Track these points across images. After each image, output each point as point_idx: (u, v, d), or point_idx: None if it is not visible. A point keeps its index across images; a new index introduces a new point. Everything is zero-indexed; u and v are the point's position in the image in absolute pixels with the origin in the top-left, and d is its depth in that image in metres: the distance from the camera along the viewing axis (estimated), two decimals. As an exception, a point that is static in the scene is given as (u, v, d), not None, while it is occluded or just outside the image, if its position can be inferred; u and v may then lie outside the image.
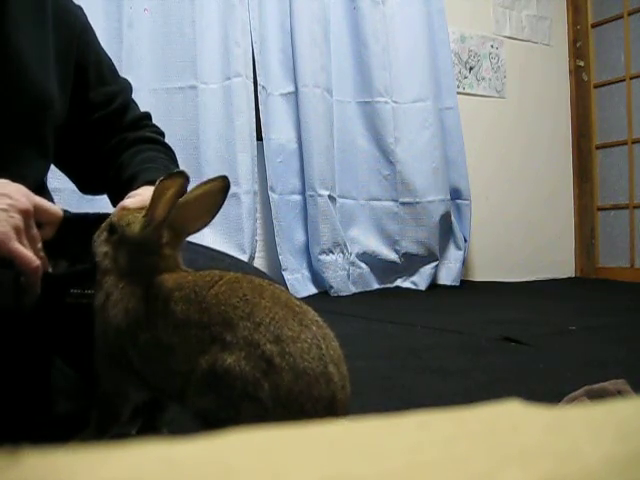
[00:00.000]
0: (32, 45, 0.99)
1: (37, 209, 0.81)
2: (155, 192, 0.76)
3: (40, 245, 0.81)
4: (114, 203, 1.00)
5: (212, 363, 0.71)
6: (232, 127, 2.86)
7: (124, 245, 0.81)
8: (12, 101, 0.96)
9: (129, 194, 0.92)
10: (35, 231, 0.80)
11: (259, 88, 2.96)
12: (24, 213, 0.77)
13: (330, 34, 3.16)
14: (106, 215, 0.87)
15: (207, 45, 2.83)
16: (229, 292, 0.74)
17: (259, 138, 3.00)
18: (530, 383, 1.34)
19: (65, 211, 0.89)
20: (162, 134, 1.19)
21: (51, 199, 1.14)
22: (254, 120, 2.94)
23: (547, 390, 1.22)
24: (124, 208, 0.86)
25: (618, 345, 1.77)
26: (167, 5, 2.80)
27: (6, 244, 0.74)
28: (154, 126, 1.19)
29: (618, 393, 0.85)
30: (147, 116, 1.19)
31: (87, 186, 1.18)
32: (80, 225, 0.86)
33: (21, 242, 0.76)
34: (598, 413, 0.26)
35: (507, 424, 0.24)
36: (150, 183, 0.94)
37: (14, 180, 0.83)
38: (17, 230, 0.76)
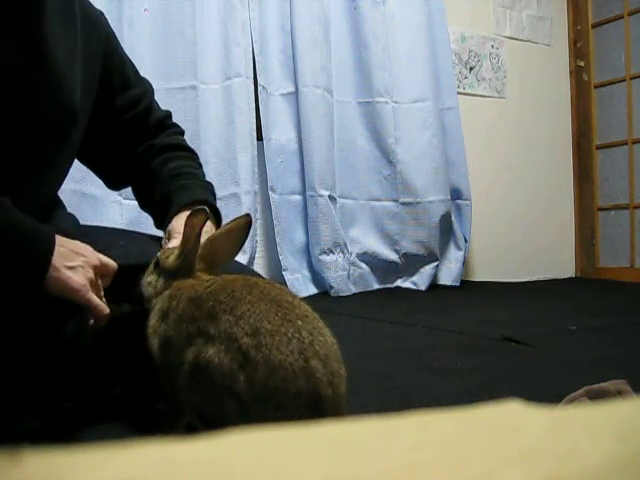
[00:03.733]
0: (64, 50, 1.00)
1: (100, 264, 0.96)
2: (185, 229, 0.89)
3: (102, 293, 0.96)
4: (155, 220, 1.22)
5: (196, 355, 0.74)
6: (232, 127, 2.85)
7: (163, 274, 0.93)
8: (43, 107, 0.98)
9: (172, 234, 1.06)
10: (99, 282, 0.95)
11: (259, 88, 2.96)
12: (95, 268, 0.93)
13: (330, 34, 3.16)
14: (146, 264, 1.00)
15: (207, 45, 2.83)
16: (220, 289, 0.78)
17: (259, 138, 3.00)
18: (530, 383, 1.34)
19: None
20: (182, 132, 1.31)
21: (60, 201, 1.22)
22: (254, 120, 2.94)
23: (547, 390, 1.22)
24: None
25: (618, 345, 1.76)
26: (167, 5, 2.80)
27: (84, 295, 0.90)
28: (176, 125, 1.31)
29: (618, 393, 0.85)
30: (169, 115, 1.30)
31: (113, 182, 1.31)
32: (129, 272, 0.99)
33: (95, 293, 0.92)
34: (598, 413, 0.26)
35: (507, 424, 0.24)
36: (184, 207, 1.10)
37: (40, 184, 1.03)
38: (91, 283, 0.91)
